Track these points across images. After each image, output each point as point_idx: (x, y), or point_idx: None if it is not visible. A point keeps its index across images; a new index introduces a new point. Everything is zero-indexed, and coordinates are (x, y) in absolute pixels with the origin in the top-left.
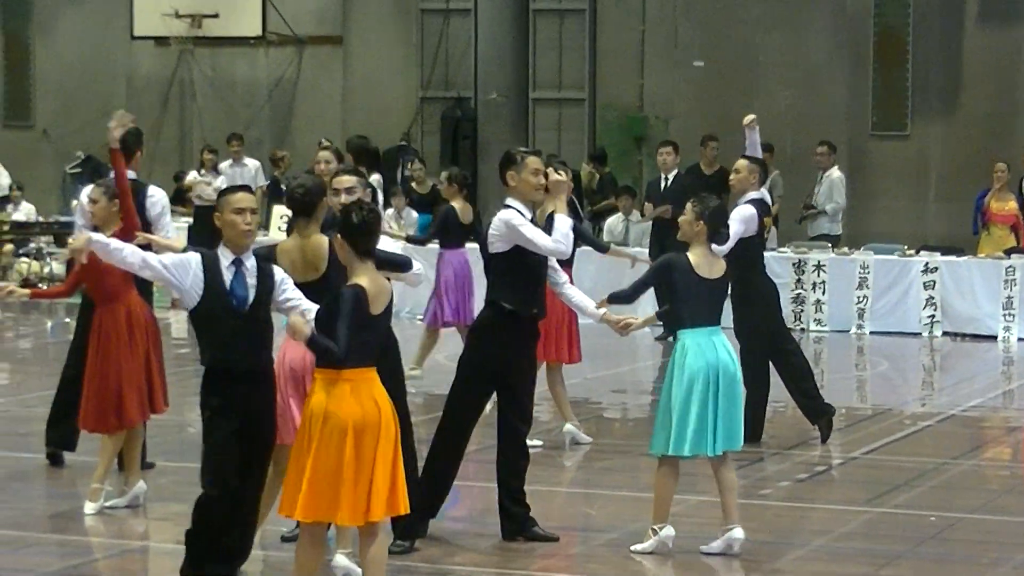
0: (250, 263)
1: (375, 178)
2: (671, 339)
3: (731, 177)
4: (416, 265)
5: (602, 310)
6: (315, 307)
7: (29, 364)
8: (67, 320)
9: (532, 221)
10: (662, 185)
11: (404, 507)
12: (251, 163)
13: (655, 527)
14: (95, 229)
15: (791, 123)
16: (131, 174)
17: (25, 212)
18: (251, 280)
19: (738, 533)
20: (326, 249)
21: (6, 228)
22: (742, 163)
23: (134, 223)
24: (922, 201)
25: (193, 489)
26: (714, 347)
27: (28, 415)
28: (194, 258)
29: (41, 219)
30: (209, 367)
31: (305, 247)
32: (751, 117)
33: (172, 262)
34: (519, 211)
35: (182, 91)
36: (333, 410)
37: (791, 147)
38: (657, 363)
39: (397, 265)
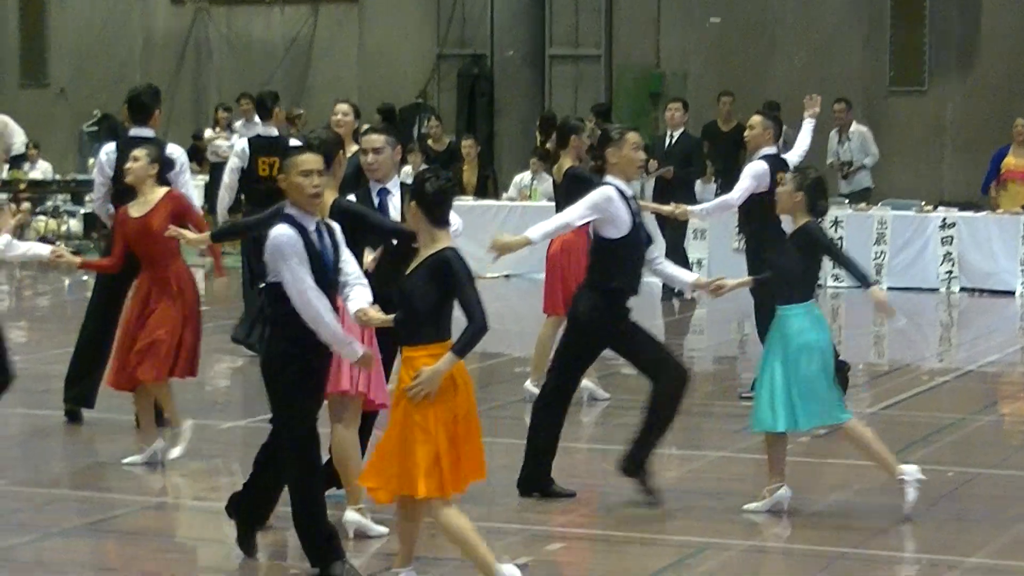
0: (322, 226)
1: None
2: (675, 299)
3: (745, 133)
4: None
5: (694, 276)
6: (365, 283)
7: (47, 322)
8: (84, 278)
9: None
10: (666, 142)
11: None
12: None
13: (770, 488)
14: (126, 188)
15: (808, 80)
16: (150, 132)
17: (42, 171)
18: (328, 243)
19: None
20: (328, 208)
21: (23, 187)
22: (756, 119)
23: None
24: (939, 158)
25: (211, 446)
26: (821, 320)
27: (46, 372)
28: (292, 232)
29: (58, 177)
30: (295, 338)
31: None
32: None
33: (298, 256)
34: (619, 189)
35: (198, 50)
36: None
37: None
38: (663, 323)
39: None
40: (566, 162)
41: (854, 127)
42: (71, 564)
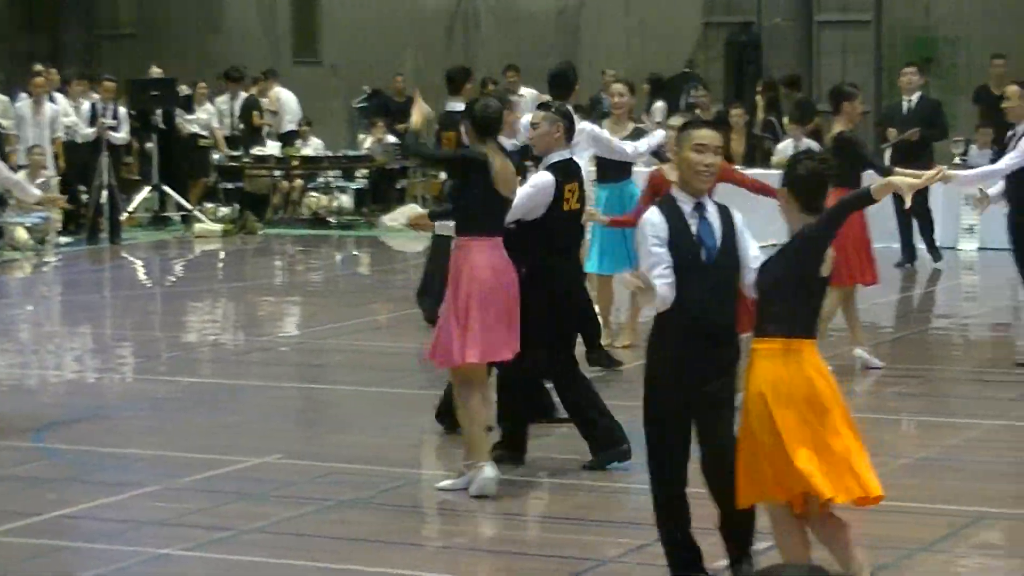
0: (711, 207)
1: (657, 105)
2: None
3: (1004, 104)
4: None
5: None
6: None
7: (320, 296)
8: (355, 253)
9: None
10: (904, 108)
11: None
12: (527, 92)
13: None
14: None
15: None
16: (460, 105)
17: (314, 147)
18: (716, 224)
19: None
20: (514, 178)
21: (296, 163)
22: (1012, 89)
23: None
24: None
25: None
26: None
27: (320, 347)
28: (655, 217)
29: (330, 153)
30: (664, 322)
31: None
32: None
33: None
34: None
35: (466, 23)
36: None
37: None
38: (932, 289)
39: None
40: (837, 127)
41: None
42: (346, 537)
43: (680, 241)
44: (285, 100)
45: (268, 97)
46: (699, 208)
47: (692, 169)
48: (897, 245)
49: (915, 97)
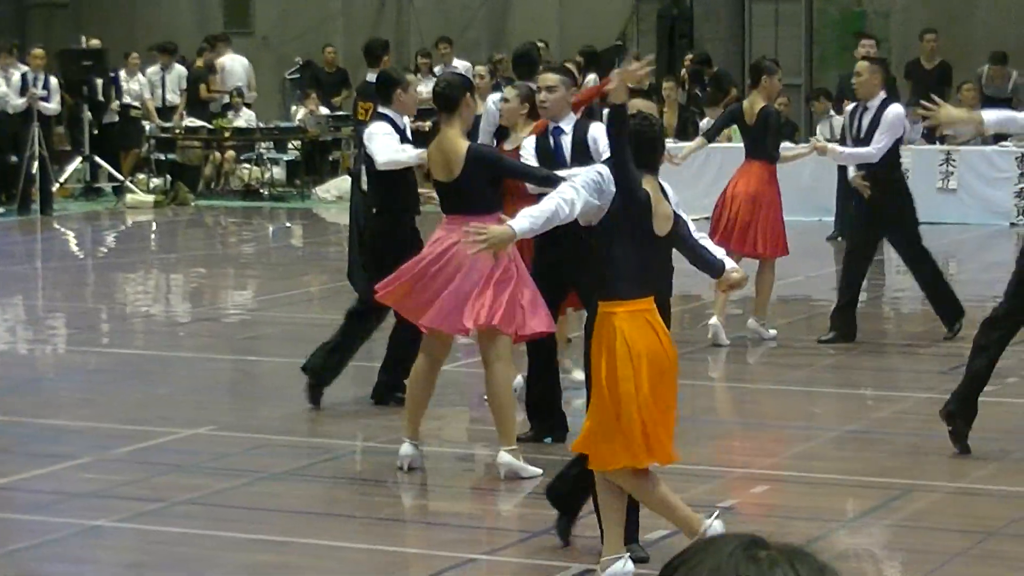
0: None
1: (590, 77)
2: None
3: (853, 80)
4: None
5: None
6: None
7: (252, 268)
8: (288, 224)
9: None
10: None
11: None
12: (461, 65)
13: None
14: (500, 129)
15: (1015, 15)
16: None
17: (246, 118)
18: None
19: None
20: (463, 154)
21: (228, 135)
22: (863, 65)
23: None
24: None
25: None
26: None
27: (253, 319)
28: (603, 168)
29: (262, 125)
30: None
31: (442, 142)
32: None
33: (583, 182)
34: None
35: None
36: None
37: (1014, 40)
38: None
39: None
40: (758, 101)
41: None
42: (279, 509)
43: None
44: (231, 68)
45: (217, 64)
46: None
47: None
48: (829, 219)
49: None
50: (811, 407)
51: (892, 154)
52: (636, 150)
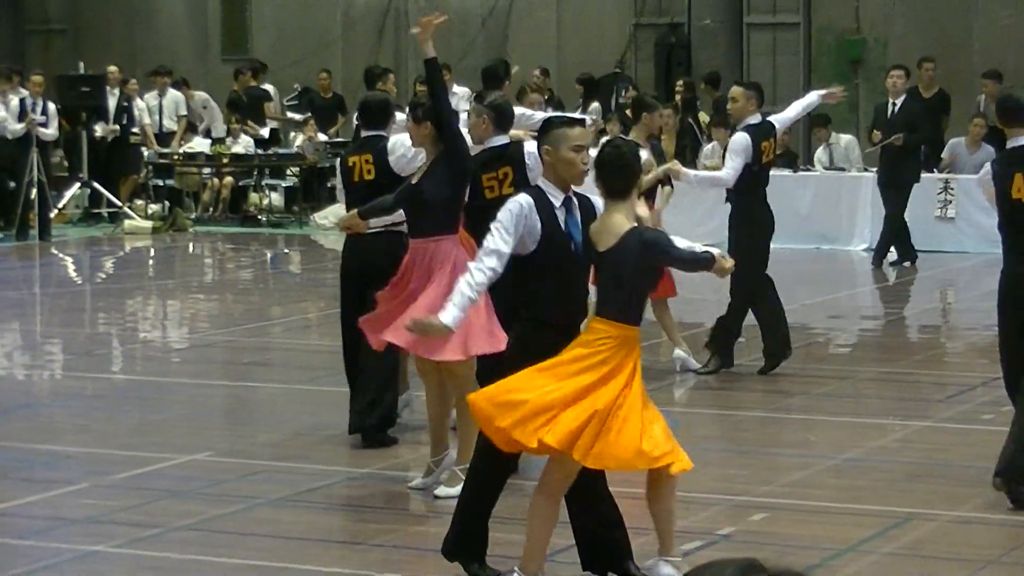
0: (576, 202)
1: (593, 106)
2: (905, 265)
3: (728, 106)
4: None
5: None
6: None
7: (250, 294)
8: (286, 251)
9: None
10: (888, 111)
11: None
12: (460, 91)
13: None
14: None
15: (1013, 42)
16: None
17: (244, 145)
18: (580, 220)
19: None
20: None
21: (226, 160)
22: (737, 90)
23: None
24: None
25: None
26: None
27: (251, 345)
28: (525, 201)
29: (260, 152)
30: (531, 318)
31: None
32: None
33: (503, 221)
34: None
35: (396, 21)
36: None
37: (1012, 67)
38: (873, 288)
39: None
40: (635, 136)
41: None
42: (275, 535)
43: (548, 237)
44: (211, 103)
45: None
46: (567, 203)
47: (575, 169)
48: (828, 247)
49: (900, 100)
50: (807, 434)
51: (751, 177)
52: (603, 178)
